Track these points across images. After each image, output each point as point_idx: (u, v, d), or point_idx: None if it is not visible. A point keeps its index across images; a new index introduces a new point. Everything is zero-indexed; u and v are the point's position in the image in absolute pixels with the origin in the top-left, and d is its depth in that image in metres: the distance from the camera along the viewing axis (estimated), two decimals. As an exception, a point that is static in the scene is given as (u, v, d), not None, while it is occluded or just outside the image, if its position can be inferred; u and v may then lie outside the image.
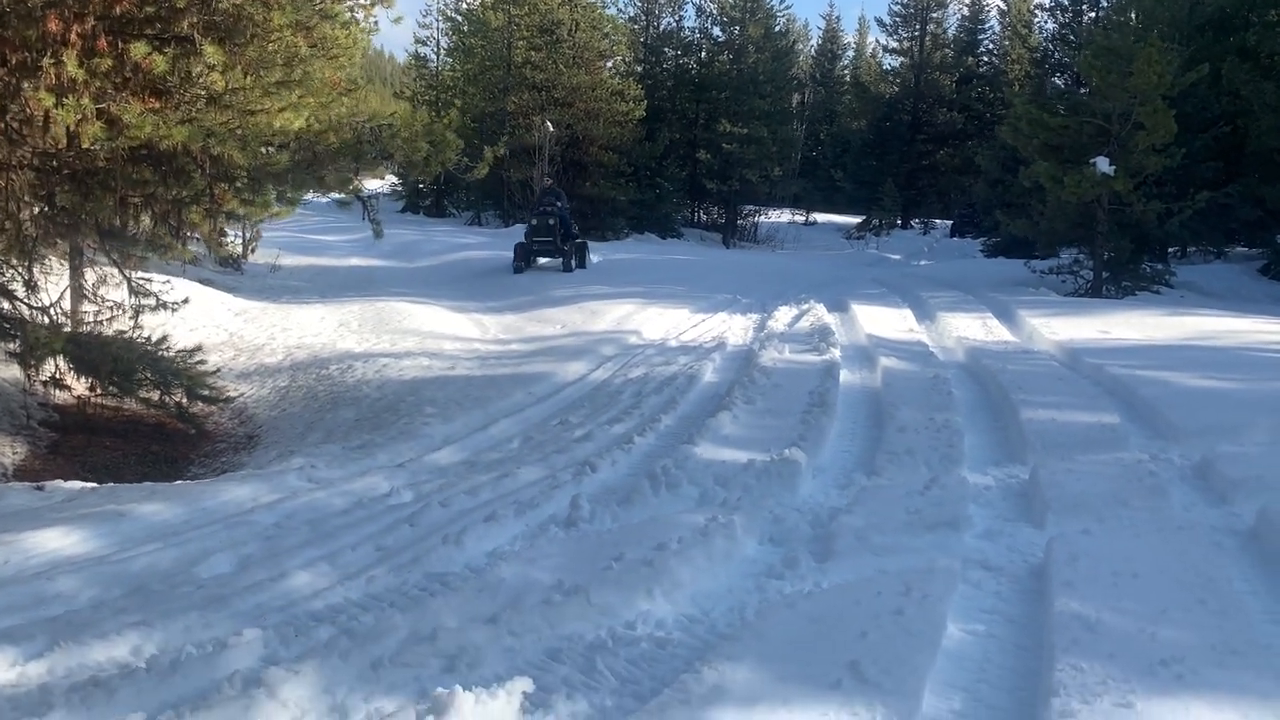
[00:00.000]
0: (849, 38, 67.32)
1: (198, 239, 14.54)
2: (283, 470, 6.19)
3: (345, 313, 13.49)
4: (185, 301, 9.17)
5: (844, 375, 8.99)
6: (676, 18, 42.63)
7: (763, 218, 42.91)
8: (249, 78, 7.12)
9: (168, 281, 9.83)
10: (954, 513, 5.10)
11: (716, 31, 41.71)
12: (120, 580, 4.36)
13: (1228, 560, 4.72)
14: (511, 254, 18.86)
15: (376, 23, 10.53)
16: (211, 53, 6.26)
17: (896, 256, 33.34)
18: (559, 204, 18.58)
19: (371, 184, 43.57)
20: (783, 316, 13.00)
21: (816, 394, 7.75)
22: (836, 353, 9.68)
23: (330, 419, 8.34)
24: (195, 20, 6.38)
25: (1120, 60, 16.87)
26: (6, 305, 7.80)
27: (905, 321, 12.79)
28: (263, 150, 6.86)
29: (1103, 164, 16.74)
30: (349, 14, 8.13)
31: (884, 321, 12.55)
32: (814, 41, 66.04)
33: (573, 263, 18.47)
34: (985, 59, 49.42)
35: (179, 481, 6.51)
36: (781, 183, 42.53)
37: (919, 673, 3.35)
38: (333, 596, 4.18)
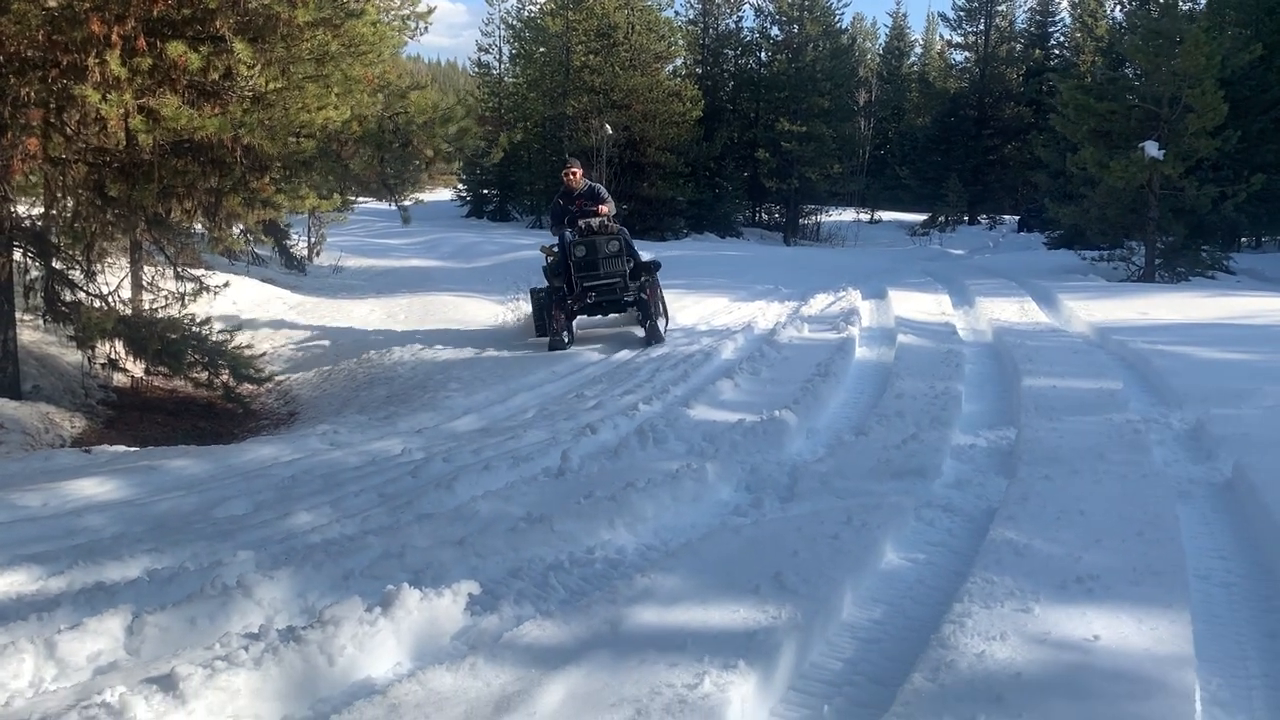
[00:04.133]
0: (916, 34, 66.81)
1: (259, 238, 15.28)
2: (306, 434, 6.65)
3: (394, 306, 14.05)
4: (226, 285, 9.75)
5: (860, 352, 9.21)
6: (736, 19, 42.90)
7: (825, 216, 42.87)
8: (284, 77, 7.65)
9: (209, 270, 10.42)
10: (924, 463, 5.33)
11: (775, 31, 41.83)
12: (143, 519, 4.83)
13: (1189, 506, 4.89)
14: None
15: (423, 26, 11.03)
16: (241, 49, 6.76)
17: (959, 251, 33.07)
18: (606, 210, 10.53)
19: (440, 194, 44.67)
20: (818, 303, 13.19)
21: (823, 366, 7.97)
22: (855, 331, 9.88)
23: (365, 396, 8.83)
24: (228, 20, 6.87)
25: (1167, 43, 16.70)
26: (68, 294, 8.43)
27: (939, 306, 12.88)
28: (291, 140, 7.35)
29: (1151, 148, 16.57)
30: (379, 13, 8.56)
31: (917, 306, 12.67)
32: (881, 39, 65.78)
33: (659, 322, 10.65)
34: (1056, 51, 48.69)
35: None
36: (843, 180, 42.42)
37: (839, 585, 3.61)
38: (329, 532, 4.57)
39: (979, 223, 44.33)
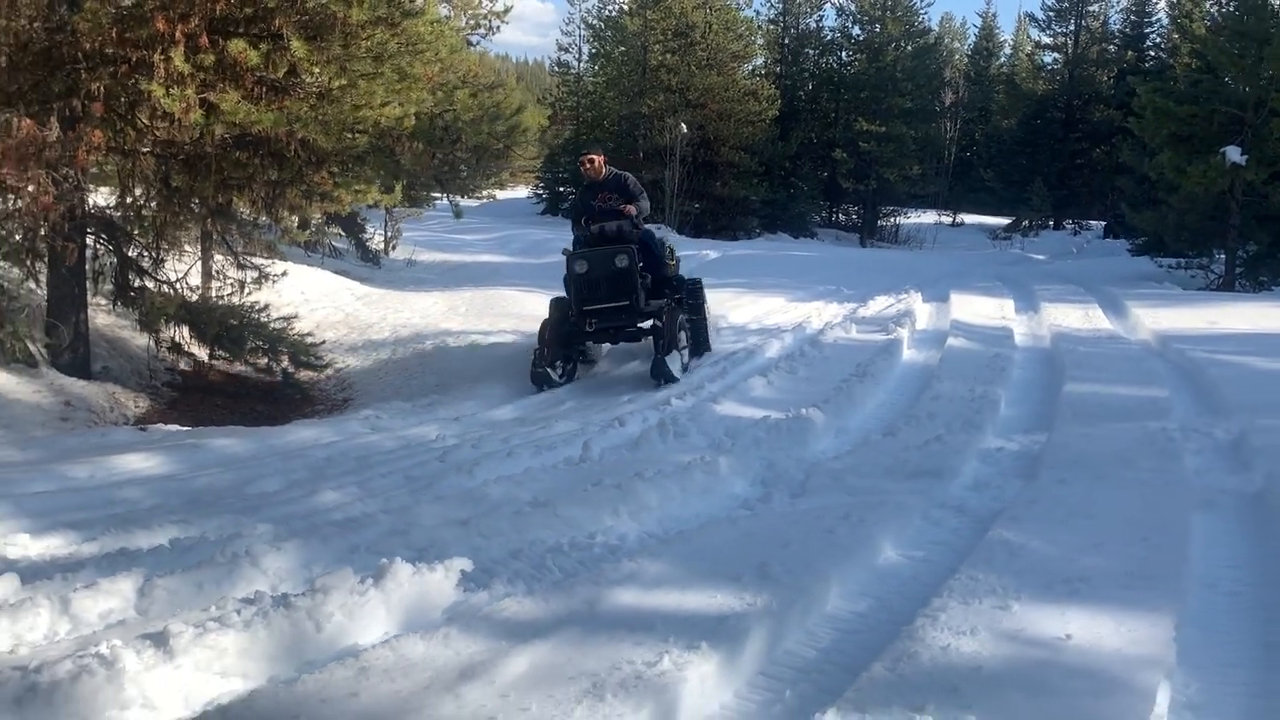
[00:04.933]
0: (1005, 35, 65.45)
1: (333, 232, 15.73)
2: (349, 419, 6.90)
3: (457, 299, 14.34)
4: (284, 274, 10.09)
5: (907, 354, 9.16)
6: (817, 18, 42.64)
7: (905, 218, 42.38)
8: (343, 74, 7.92)
9: (271, 259, 10.80)
10: (942, 464, 5.33)
11: (856, 31, 41.45)
12: (179, 493, 5.08)
13: (1212, 515, 4.80)
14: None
15: (497, 24, 11.25)
16: (298, 47, 7.03)
17: (1040, 256, 32.36)
18: (633, 209, 8.54)
19: (518, 191, 45.29)
20: (876, 305, 13.11)
21: (863, 367, 7.96)
22: (905, 333, 9.82)
23: (415, 384, 9.10)
24: (287, 19, 7.15)
25: (1255, 45, 16.18)
26: (137, 280, 8.84)
27: (1001, 310, 12.70)
28: (345, 135, 7.62)
29: (1233, 153, 16.08)
30: (453, 11, 8.78)
31: (977, 310, 12.51)
32: (970, 39, 64.62)
33: (682, 354, 8.56)
34: (1151, 53, 47.29)
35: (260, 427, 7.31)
36: (923, 182, 41.85)
37: (825, 577, 3.66)
38: (351, 510, 4.77)
39: (1064, 228, 43.27)
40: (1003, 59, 61.61)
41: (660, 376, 7.92)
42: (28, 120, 6.71)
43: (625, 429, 6.34)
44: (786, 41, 42.14)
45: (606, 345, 9.46)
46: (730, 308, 12.65)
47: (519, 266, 20.03)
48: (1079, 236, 40.22)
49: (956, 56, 59.18)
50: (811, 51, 42.71)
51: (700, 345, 9.06)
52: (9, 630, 3.13)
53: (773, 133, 35.73)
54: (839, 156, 37.82)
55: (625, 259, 8.16)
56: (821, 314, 12.69)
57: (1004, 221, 43.04)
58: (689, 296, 9.18)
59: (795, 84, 41.55)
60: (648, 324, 8.53)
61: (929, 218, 43.83)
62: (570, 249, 8.63)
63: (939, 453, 5.54)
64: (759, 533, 4.09)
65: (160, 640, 2.86)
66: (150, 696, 2.71)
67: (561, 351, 8.42)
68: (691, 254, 21.53)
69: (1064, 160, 45.31)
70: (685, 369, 8.38)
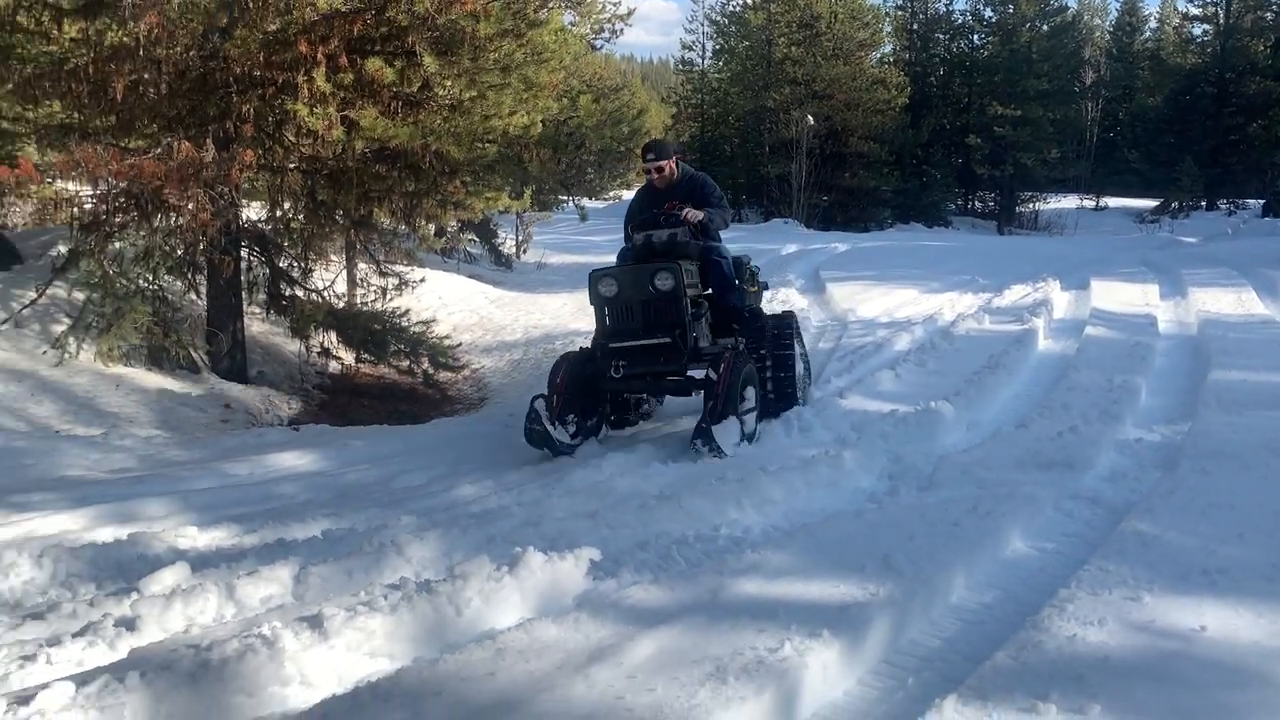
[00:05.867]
0: (1150, 9, 62.50)
1: (468, 239, 16.26)
2: (484, 418, 7.17)
3: (586, 300, 14.58)
4: (423, 280, 10.51)
5: (1043, 344, 8.95)
6: (946, 2, 41.74)
7: (1044, 204, 41.00)
8: (473, 86, 8.23)
9: (411, 266, 11.26)
10: (1076, 456, 5.22)
11: (989, 13, 40.29)
12: (330, 488, 5.42)
13: (1369, 507, 4.58)
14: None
15: (620, 28, 11.47)
16: (430, 62, 7.35)
17: (1191, 239, 30.78)
18: (697, 216, 6.45)
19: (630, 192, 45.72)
20: (1011, 295, 12.78)
21: (995, 359, 7.81)
22: (1040, 323, 9.58)
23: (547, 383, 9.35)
24: (420, 36, 7.48)
25: None
26: (287, 289, 9.39)
27: (1145, 297, 12.22)
28: (476, 145, 7.92)
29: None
30: (579, 16, 9.02)
31: (1119, 297, 12.08)
32: (1112, 15, 61.95)
33: (745, 420, 5.96)
34: (1312, 18, 44.40)
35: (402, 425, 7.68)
36: (1064, 165, 40.39)
37: (948, 568, 3.67)
38: (488, 503, 5.00)
39: (1217, 208, 41.08)
40: (1147, 33, 58.80)
41: (704, 446, 5.55)
42: (186, 143, 7.22)
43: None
44: (915, 27, 41.32)
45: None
46: (859, 301, 12.55)
47: (647, 265, 20.26)
48: (1234, 217, 38.11)
49: (1097, 34, 56.75)
50: (942, 36, 41.77)
51: (782, 401, 6.52)
52: (182, 613, 3.43)
53: (903, 121, 35.09)
54: (973, 142, 36.87)
55: (669, 279, 5.95)
56: (954, 305, 12.45)
57: (1151, 204, 41.13)
58: (774, 338, 6.63)
59: (925, 70, 40.72)
60: (701, 372, 6.09)
61: (1070, 202, 42.25)
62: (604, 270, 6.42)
63: (1073, 444, 5.42)
64: (884, 525, 4.11)
65: (315, 623, 3.09)
66: (307, 674, 2.94)
67: (579, 403, 6.14)
68: (820, 247, 21.39)
69: (1216, 137, 42.97)
70: (750, 438, 5.85)
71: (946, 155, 39.50)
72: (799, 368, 6.85)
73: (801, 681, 2.84)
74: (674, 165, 6.69)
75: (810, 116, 32.21)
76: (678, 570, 3.89)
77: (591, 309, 6.44)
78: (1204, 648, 2.97)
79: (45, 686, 2.75)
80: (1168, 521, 4.05)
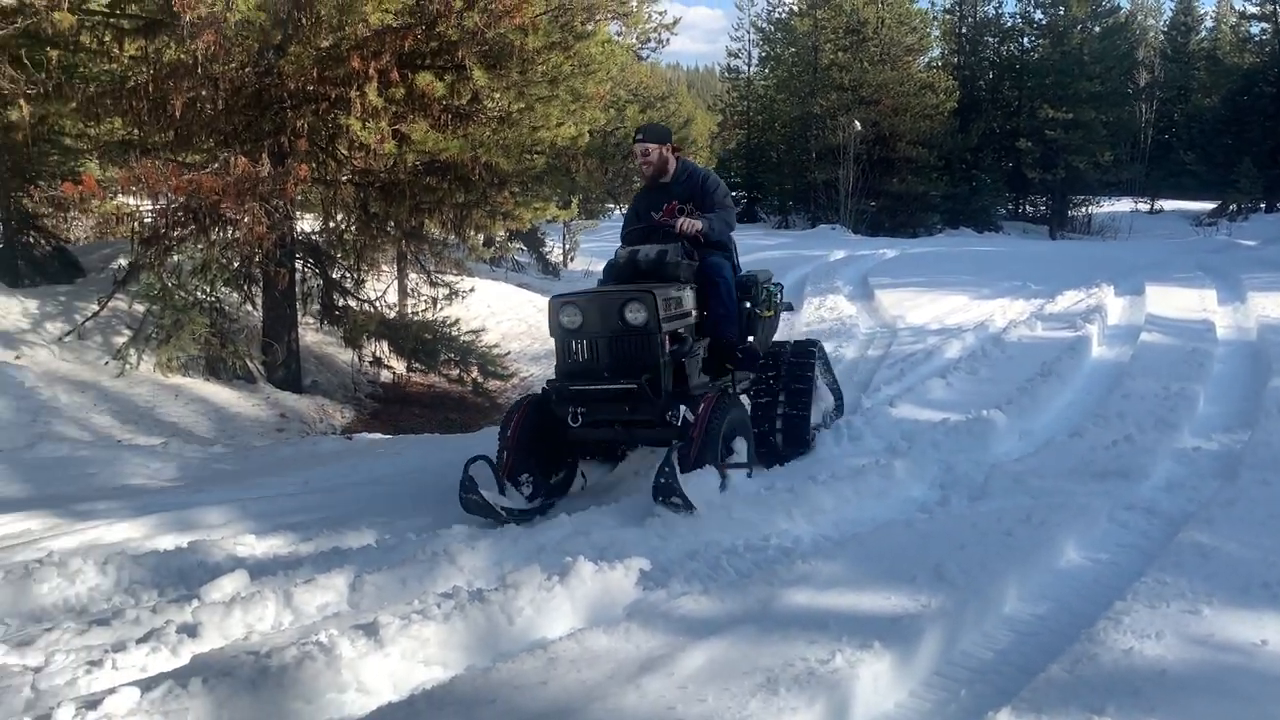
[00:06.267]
0: (1205, 7, 61.29)
1: (516, 247, 16.39)
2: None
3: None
4: (472, 290, 10.62)
5: (1096, 351, 8.83)
6: (996, 5, 41.33)
7: (1097, 208, 40.38)
8: (521, 99, 8.32)
9: (460, 276, 11.38)
10: (1131, 465, 5.15)
11: (1039, 15, 39.81)
12: (383, 497, 5.50)
13: None
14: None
15: (666, 37, 11.52)
16: (479, 76, 7.44)
17: (1250, 242, 30.04)
18: (692, 226, 5.51)
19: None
20: (1064, 301, 12.61)
21: (1048, 366, 7.72)
22: (1093, 329, 9.44)
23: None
24: (469, 50, 7.57)
25: None
26: (340, 300, 9.55)
27: (1202, 302, 11.99)
28: (525, 156, 8.00)
29: None
30: (610, 32, 9.08)
31: (1175, 302, 11.86)
32: (1166, 15, 60.89)
33: (728, 474, 4.81)
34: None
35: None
36: (1117, 169, 39.75)
37: (1002, 580, 3.64)
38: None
39: (1277, 210, 40.14)
40: (1203, 33, 57.68)
41: (665, 502, 4.46)
42: (243, 158, 7.37)
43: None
44: (964, 31, 40.94)
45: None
46: (909, 308, 12.46)
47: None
48: (1297, 218, 37.26)
49: (1150, 34, 55.79)
50: (991, 39, 41.34)
51: (791, 445, 5.68)
52: (241, 620, 3.50)
53: (951, 125, 34.78)
54: (1024, 146, 36.42)
55: (641, 312, 4.91)
56: (1005, 311, 12.31)
57: (1208, 206, 40.31)
58: (789, 370, 5.88)
59: (974, 74, 40.32)
60: (675, 424, 4.91)
61: (1124, 206, 41.56)
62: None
63: (1128, 453, 5.34)
64: (935, 535, 4.09)
65: (371, 630, 3.15)
66: (364, 681, 3.00)
67: (538, 458, 5.15)
68: (868, 253, 21.26)
69: (1276, 137, 41.91)
70: (725, 486, 4.73)
71: (996, 159, 39.06)
72: (825, 403, 6.14)
73: (853, 693, 2.83)
74: (667, 154, 5.70)
75: (857, 122, 32.06)
76: (727, 580, 3.90)
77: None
78: (1265, 662, 2.92)
79: (112, 691, 2.83)
80: (1227, 533, 3.98)
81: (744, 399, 5.74)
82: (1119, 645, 3.03)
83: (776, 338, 6.42)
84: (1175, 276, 15.48)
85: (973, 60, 40.92)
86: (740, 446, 5.04)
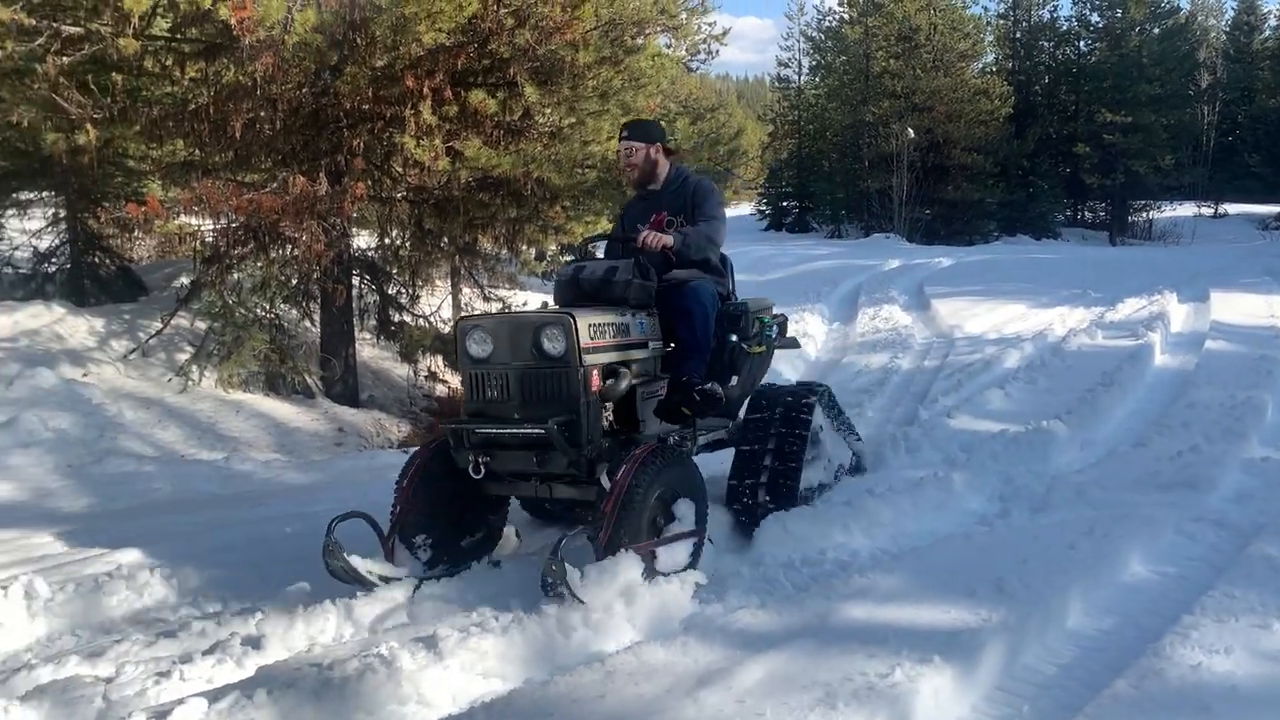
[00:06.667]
0: (1269, 7, 59.84)
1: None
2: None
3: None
4: (525, 304, 10.66)
5: (1159, 359, 8.67)
6: (1051, 8, 40.73)
7: (1158, 213, 39.54)
8: (572, 114, 8.38)
9: (514, 292, 11.46)
10: (1198, 476, 5.04)
11: (1095, 18, 39.20)
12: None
13: None
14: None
15: (716, 48, 11.55)
16: (530, 92, 7.51)
17: (1320, 246, 29.35)
18: (658, 241, 4.57)
19: (740, 209, 45.67)
20: (1125, 308, 12.37)
21: (1109, 375, 7.58)
22: (1155, 337, 9.26)
23: (648, 405, 9.43)
24: (521, 67, 7.64)
25: None
26: (396, 315, 9.67)
27: (1270, 308, 11.71)
28: (576, 171, 8.05)
29: None
30: (659, 45, 9.10)
31: (1242, 309, 11.59)
32: (1228, 14, 59.58)
33: (655, 556, 3.84)
34: None
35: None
36: (1177, 172, 38.89)
37: (1064, 592, 3.58)
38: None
39: (1349, 211, 39.04)
40: (1267, 32, 56.30)
41: (549, 589, 3.60)
42: (301, 177, 7.51)
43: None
44: (1018, 35, 40.41)
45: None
46: (966, 317, 12.30)
47: (743, 285, 20.16)
48: (1369, 220, 36.22)
49: (1212, 35, 54.58)
50: (1046, 43, 40.73)
51: (778, 501, 4.67)
52: (304, 632, 3.56)
53: (1007, 131, 34.35)
54: (1081, 151, 35.79)
55: (559, 339, 4.06)
56: (1065, 320, 12.10)
57: (1274, 209, 39.26)
58: (783, 421, 4.96)
59: (1030, 79, 39.78)
60: (590, 484, 4.17)
61: (1186, 210, 40.60)
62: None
63: (1195, 464, 5.23)
64: (995, 548, 4.03)
65: (430, 643, 3.18)
66: (424, 694, 3.02)
67: (443, 516, 4.31)
68: (923, 262, 21.03)
69: (1346, 136, 40.95)
70: (651, 574, 3.77)
71: (1054, 165, 38.46)
72: (832, 457, 5.25)
73: (913, 708, 2.80)
74: (657, 155, 4.93)
75: (910, 129, 31.78)
76: (784, 594, 3.88)
77: None
78: (1341, 679, 2.84)
79: (180, 702, 2.90)
80: (1300, 545, 3.88)
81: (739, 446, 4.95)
82: (1187, 660, 2.97)
83: (795, 375, 5.83)
84: (1241, 282, 15.13)
85: (1027, 65, 40.36)
86: (685, 512, 4.05)
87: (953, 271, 18.92)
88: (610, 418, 4.34)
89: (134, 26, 6.66)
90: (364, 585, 3.95)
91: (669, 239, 4.56)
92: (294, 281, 8.81)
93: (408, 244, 9.04)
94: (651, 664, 3.07)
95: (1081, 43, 39.85)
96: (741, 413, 5.16)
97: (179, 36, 7.48)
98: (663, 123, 10.16)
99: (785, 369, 9.70)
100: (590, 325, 4.13)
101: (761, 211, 42.36)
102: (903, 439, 5.97)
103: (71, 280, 10.33)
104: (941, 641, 3.12)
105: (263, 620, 3.63)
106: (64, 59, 6.89)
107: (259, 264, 8.54)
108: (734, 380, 4.94)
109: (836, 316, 14.18)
